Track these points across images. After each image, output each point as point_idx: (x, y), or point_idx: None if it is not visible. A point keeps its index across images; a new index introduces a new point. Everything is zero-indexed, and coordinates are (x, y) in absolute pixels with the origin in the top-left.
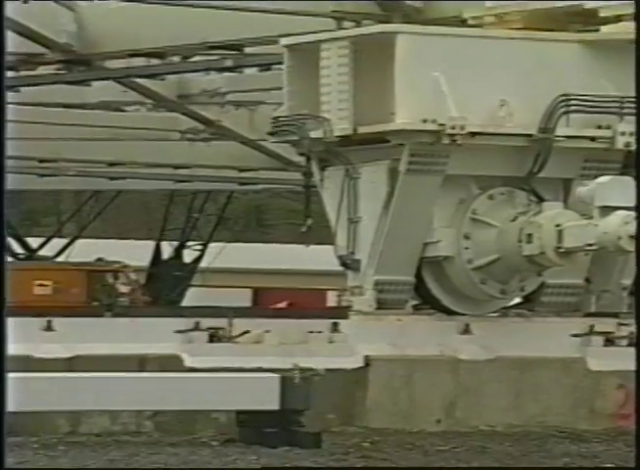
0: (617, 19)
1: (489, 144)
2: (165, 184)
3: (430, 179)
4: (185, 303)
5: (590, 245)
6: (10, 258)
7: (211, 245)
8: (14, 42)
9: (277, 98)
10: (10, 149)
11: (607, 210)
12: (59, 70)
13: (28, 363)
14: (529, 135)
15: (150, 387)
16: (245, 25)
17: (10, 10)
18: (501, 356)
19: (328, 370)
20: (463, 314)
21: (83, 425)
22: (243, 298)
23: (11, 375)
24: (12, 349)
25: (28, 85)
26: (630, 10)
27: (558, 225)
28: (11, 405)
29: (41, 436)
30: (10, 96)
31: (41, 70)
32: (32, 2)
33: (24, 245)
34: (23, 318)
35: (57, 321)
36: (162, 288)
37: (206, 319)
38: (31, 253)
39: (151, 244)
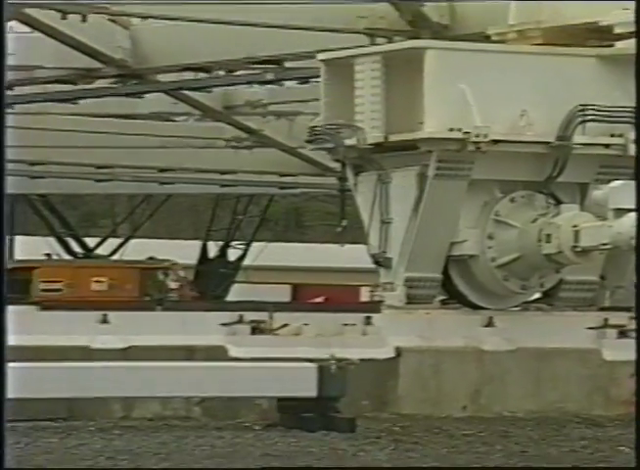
0: (631, 35)
1: (511, 151)
2: (212, 188)
3: (456, 184)
4: (229, 298)
5: (605, 244)
6: (69, 257)
7: (254, 244)
8: (73, 57)
9: (314, 109)
10: (68, 156)
11: (620, 212)
12: (114, 83)
13: (86, 353)
14: (548, 143)
15: (197, 375)
16: (284, 42)
17: (70, 27)
18: (522, 347)
19: (362, 360)
20: (487, 309)
21: (136, 410)
22: (282, 293)
23: (69, 364)
24: (70, 340)
25: (87, 98)
26: None
27: (575, 226)
28: (70, 392)
29: (98, 420)
30: (69, 108)
31: (98, 84)
32: (91, 21)
33: (83, 244)
34: (82, 312)
35: (112, 315)
36: (209, 284)
37: (249, 313)
38: (89, 252)
39: (198, 243)
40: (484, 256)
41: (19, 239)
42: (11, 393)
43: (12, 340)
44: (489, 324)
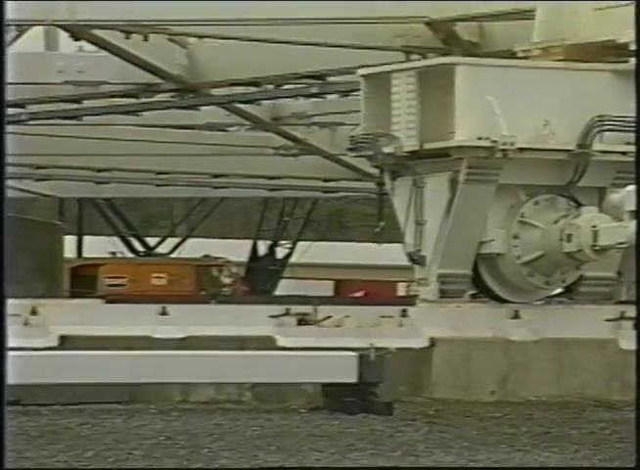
0: None
1: (535, 158)
2: (261, 192)
3: (484, 188)
4: (277, 292)
5: (621, 243)
6: (132, 255)
7: (299, 243)
8: (135, 74)
9: (355, 120)
10: (131, 163)
11: (635, 213)
12: (173, 97)
13: (148, 342)
14: (569, 150)
15: (248, 363)
16: (327, 59)
17: (133, 46)
18: (546, 338)
19: (398, 349)
20: (513, 302)
21: (193, 394)
22: (326, 288)
23: (132, 353)
24: (133, 330)
25: (148, 110)
26: None
27: (594, 227)
28: (132, 378)
29: (158, 403)
30: (132, 119)
31: (158, 98)
32: (152, 40)
33: (144, 243)
34: (143, 305)
35: (171, 307)
36: (259, 280)
37: (295, 306)
38: (149, 250)
39: (249, 243)
40: (511, 254)
41: (86, 239)
42: (78, 378)
43: (80, 330)
44: (515, 316)
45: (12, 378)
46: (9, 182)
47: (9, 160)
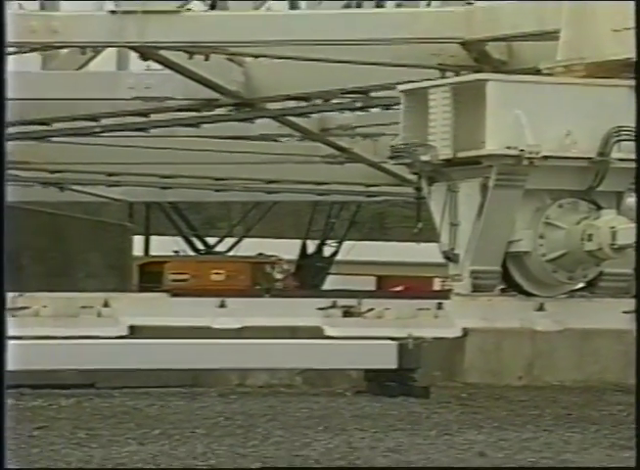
0: None
1: (559, 165)
2: (310, 197)
3: (512, 193)
4: (325, 287)
5: (637, 242)
6: (194, 253)
7: (345, 243)
8: (197, 90)
9: (395, 131)
10: (193, 171)
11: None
12: (230, 110)
13: (208, 332)
14: (590, 158)
15: (299, 350)
16: (370, 75)
17: (195, 65)
18: (568, 328)
19: (434, 338)
20: (539, 296)
21: (249, 379)
22: (369, 283)
23: (194, 341)
24: (195, 321)
25: (208, 122)
26: None
27: (612, 227)
28: (194, 364)
29: (217, 387)
30: (193, 131)
31: (217, 111)
32: (212, 60)
33: (204, 243)
34: (204, 298)
35: (229, 300)
36: (308, 276)
37: (341, 299)
38: (209, 249)
39: (299, 242)
40: (537, 252)
41: (153, 238)
42: (146, 364)
43: (147, 321)
44: (541, 309)
45: (87, 364)
46: (85, 188)
47: (84, 168)
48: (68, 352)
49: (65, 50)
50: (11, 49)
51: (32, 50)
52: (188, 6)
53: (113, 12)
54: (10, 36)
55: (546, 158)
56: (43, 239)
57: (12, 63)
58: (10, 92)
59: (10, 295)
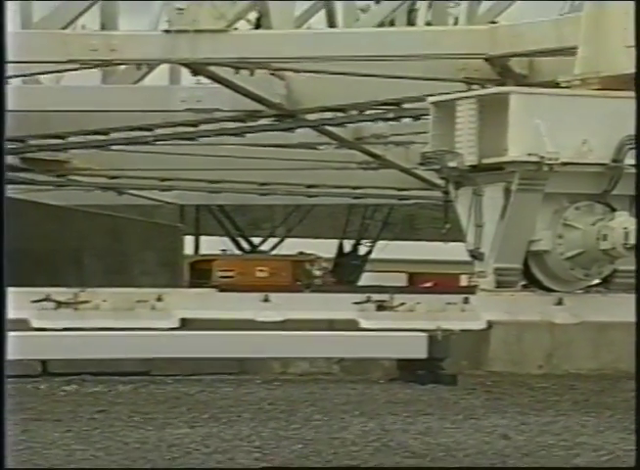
0: None
1: (576, 171)
2: (346, 200)
3: (533, 196)
4: (360, 283)
5: None
6: (239, 252)
7: (378, 242)
8: (242, 102)
9: (424, 139)
10: (239, 176)
11: None
12: (273, 121)
13: (252, 325)
14: (605, 164)
15: (336, 341)
16: (402, 88)
17: (241, 80)
18: (585, 321)
19: (461, 330)
20: (557, 291)
21: (291, 367)
22: (400, 280)
23: (240, 333)
24: (240, 314)
25: (253, 132)
26: None
27: (625, 228)
28: (240, 353)
29: (262, 375)
30: (239, 140)
31: (261, 122)
32: (256, 75)
33: (249, 243)
34: (249, 293)
35: (272, 295)
36: (344, 273)
37: (375, 294)
38: (254, 248)
39: (336, 242)
40: (555, 251)
41: (202, 239)
42: (196, 353)
43: (197, 314)
44: (559, 303)
45: (143, 353)
46: (140, 192)
47: (139, 174)
48: (126, 342)
49: (122, 66)
50: (73, 65)
51: (93, 66)
52: (235, 25)
53: (166, 31)
54: (73, 54)
55: (564, 164)
56: (102, 239)
57: (74, 78)
58: (72, 105)
59: (73, 290)
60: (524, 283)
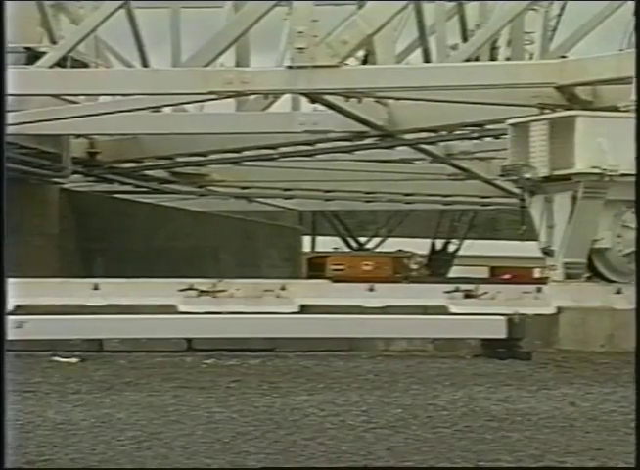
0: None
1: (632, 181)
2: (438, 206)
3: (596, 202)
4: (449, 275)
5: None
6: (348, 250)
7: (465, 241)
8: (350, 124)
9: (504, 155)
10: (348, 186)
11: None
12: (377, 140)
13: (360, 310)
14: None
15: (430, 324)
16: (484, 112)
17: (350, 105)
18: None
19: (535, 315)
20: (617, 282)
21: (392, 345)
22: (483, 273)
23: (349, 317)
24: (350, 301)
25: (360, 149)
26: None
27: None
28: (351, 333)
29: (367, 351)
30: (348, 156)
31: (367, 141)
32: (364, 102)
33: (357, 242)
34: (357, 284)
35: (376, 286)
36: (436, 267)
37: (463, 285)
38: (361, 246)
39: (429, 241)
40: (615, 248)
41: (318, 238)
42: (312, 333)
43: (314, 301)
44: (619, 292)
45: (269, 333)
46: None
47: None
48: (255, 324)
49: (253, 96)
50: (213, 96)
51: (228, 96)
52: (346, 61)
53: (289, 66)
54: (213, 86)
55: (623, 175)
56: (236, 239)
57: (213, 106)
58: (212, 128)
59: (212, 281)
60: (588, 275)
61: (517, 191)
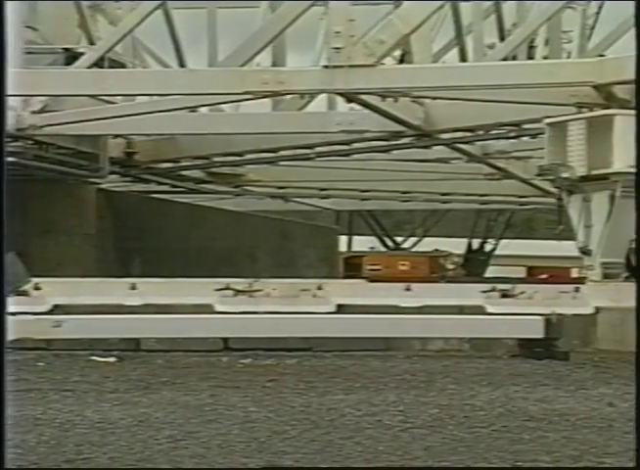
0: None
1: None
2: (474, 205)
3: (634, 201)
4: (486, 275)
5: None
6: (385, 249)
7: (502, 241)
8: (387, 124)
9: (541, 154)
10: (385, 186)
11: None
12: (413, 140)
13: (396, 309)
14: None
15: (466, 323)
16: (522, 111)
17: (387, 105)
18: None
19: (573, 315)
20: None
21: (428, 345)
22: (520, 272)
23: (386, 316)
24: (386, 301)
25: (396, 149)
26: None
27: None
28: (387, 333)
29: (404, 351)
30: (385, 156)
31: (403, 140)
32: (400, 101)
33: (393, 241)
34: (393, 284)
35: (413, 285)
36: (473, 266)
37: (499, 284)
38: (397, 246)
39: (466, 240)
40: None
41: (354, 238)
42: (349, 333)
43: (351, 301)
44: None
45: (306, 332)
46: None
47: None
48: (292, 323)
49: (289, 96)
50: (249, 96)
51: (265, 96)
52: (382, 61)
53: (325, 66)
54: (249, 86)
55: None
56: (272, 238)
57: (250, 106)
58: (248, 128)
59: (248, 280)
60: (626, 275)
61: (554, 190)
